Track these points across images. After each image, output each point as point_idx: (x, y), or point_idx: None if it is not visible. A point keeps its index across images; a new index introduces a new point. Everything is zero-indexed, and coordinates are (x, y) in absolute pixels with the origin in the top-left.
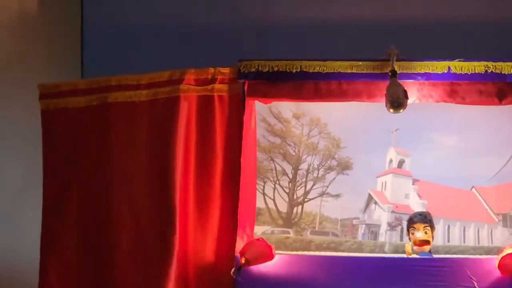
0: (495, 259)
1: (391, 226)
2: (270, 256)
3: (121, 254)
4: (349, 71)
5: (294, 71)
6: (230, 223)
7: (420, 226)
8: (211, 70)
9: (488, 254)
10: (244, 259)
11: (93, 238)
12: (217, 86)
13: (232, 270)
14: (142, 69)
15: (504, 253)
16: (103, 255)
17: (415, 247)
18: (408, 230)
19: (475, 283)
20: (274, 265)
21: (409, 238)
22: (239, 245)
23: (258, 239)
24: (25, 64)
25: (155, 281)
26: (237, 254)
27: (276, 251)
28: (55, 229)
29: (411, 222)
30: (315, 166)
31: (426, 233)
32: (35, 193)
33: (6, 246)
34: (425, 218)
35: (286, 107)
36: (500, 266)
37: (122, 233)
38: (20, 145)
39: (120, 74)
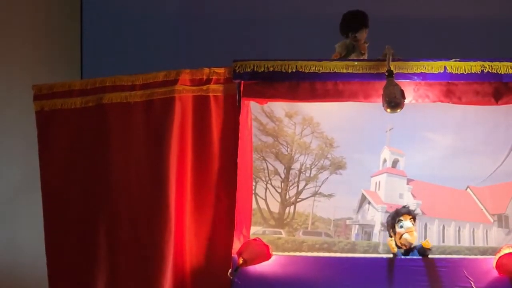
0: (492, 259)
1: (385, 227)
2: (267, 256)
3: (119, 255)
4: (344, 71)
5: (289, 71)
6: (227, 224)
7: (407, 217)
8: (206, 70)
9: (483, 254)
10: (242, 259)
11: (92, 239)
12: (212, 86)
13: (229, 271)
14: (142, 69)
15: (501, 253)
16: (102, 256)
17: (404, 236)
18: (393, 226)
19: (472, 283)
20: (271, 266)
21: (391, 234)
22: (236, 246)
23: (255, 239)
24: (24, 64)
25: (152, 282)
26: (234, 255)
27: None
28: (57, 231)
29: (398, 215)
30: (308, 165)
31: (413, 224)
32: (34, 193)
33: (6, 246)
34: (410, 210)
35: (279, 106)
36: (497, 266)
37: (119, 233)
38: (20, 146)
39: (119, 75)
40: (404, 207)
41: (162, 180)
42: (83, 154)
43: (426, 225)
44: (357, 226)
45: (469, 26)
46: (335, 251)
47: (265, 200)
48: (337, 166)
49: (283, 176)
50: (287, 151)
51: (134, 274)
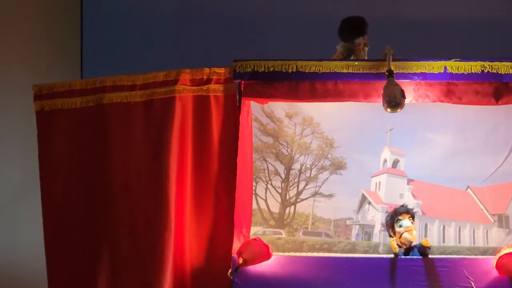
0: (492, 259)
1: (385, 227)
2: (267, 256)
3: (119, 255)
4: (345, 71)
5: (290, 71)
6: (227, 223)
7: (405, 216)
8: (206, 70)
9: (483, 254)
10: (242, 259)
11: (92, 239)
12: (212, 86)
13: (229, 271)
14: (142, 69)
15: (501, 253)
16: (101, 256)
17: (404, 235)
18: (392, 226)
19: (472, 283)
20: (271, 266)
21: (391, 234)
22: (236, 246)
23: (255, 239)
24: (24, 64)
25: (152, 282)
26: (234, 254)
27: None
28: (57, 232)
29: (397, 214)
30: (308, 166)
31: (412, 223)
32: (34, 193)
33: (6, 246)
34: (408, 209)
35: (279, 106)
36: (497, 266)
37: (120, 234)
38: (20, 146)
39: (119, 75)
40: (402, 206)
41: (162, 180)
42: (83, 154)
43: (426, 225)
44: (357, 226)
45: (469, 26)
46: (335, 252)
47: (265, 200)
48: (337, 166)
49: (283, 176)
50: (287, 151)
51: (134, 274)
